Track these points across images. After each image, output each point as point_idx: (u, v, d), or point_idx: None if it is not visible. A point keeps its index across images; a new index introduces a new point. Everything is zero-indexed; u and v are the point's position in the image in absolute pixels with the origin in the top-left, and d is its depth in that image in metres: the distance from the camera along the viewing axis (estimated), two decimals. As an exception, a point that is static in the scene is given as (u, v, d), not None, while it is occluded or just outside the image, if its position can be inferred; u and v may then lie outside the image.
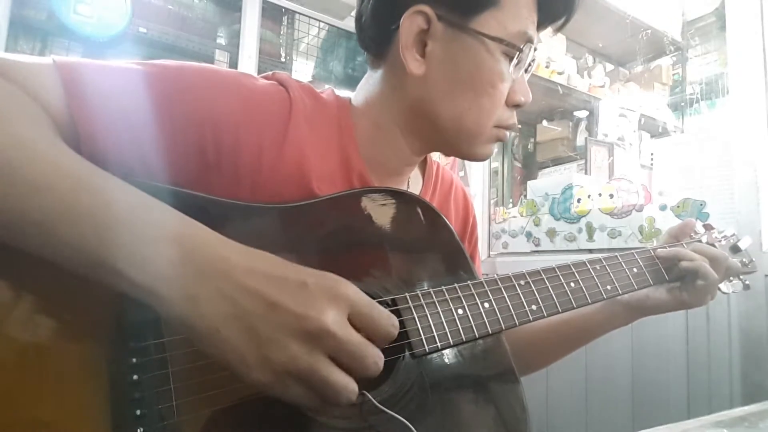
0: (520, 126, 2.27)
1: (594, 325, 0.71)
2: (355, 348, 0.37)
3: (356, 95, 0.63)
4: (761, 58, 1.14)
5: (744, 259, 0.74)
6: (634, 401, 1.26)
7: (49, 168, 0.37)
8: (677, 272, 0.67)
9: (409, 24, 0.54)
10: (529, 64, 0.58)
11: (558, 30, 0.62)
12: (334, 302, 0.38)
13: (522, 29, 0.55)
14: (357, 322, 0.39)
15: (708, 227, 0.76)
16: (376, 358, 0.38)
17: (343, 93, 0.64)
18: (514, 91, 0.58)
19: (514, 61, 0.55)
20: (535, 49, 0.57)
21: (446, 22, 0.54)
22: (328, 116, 0.58)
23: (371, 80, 0.62)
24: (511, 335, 0.55)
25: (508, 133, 0.61)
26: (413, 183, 0.69)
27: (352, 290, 0.39)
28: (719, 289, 0.70)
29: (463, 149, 0.60)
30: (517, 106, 0.59)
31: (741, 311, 1.10)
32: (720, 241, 0.74)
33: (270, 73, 0.59)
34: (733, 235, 0.76)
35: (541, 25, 0.58)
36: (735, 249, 0.74)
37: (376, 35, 0.58)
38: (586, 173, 1.95)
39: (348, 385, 0.37)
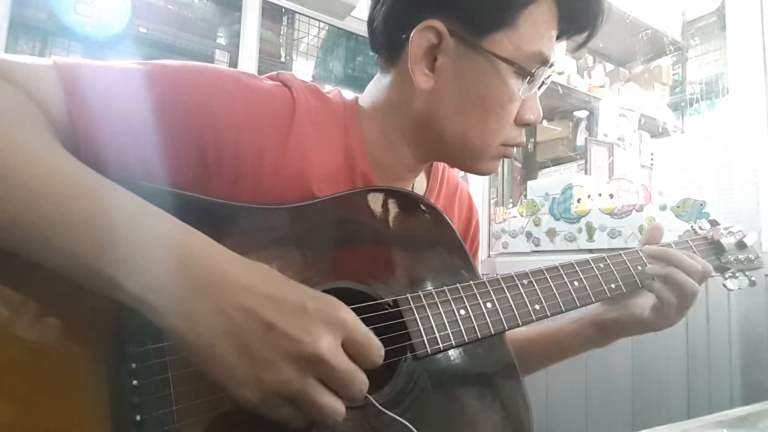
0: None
1: (569, 348, 0.70)
2: (344, 375, 0.38)
3: (364, 97, 0.62)
4: (761, 58, 1.14)
5: (750, 255, 0.73)
6: (634, 401, 1.26)
7: (44, 173, 0.37)
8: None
9: (420, 39, 0.53)
10: (543, 82, 0.57)
11: (578, 48, 0.60)
12: (331, 328, 0.38)
13: (537, 50, 0.53)
14: (350, 349, 0.39)
15: (713, 223, 0.75)
16: (361, 385, 0.39)
17: (345, 93, 0.63)
18: (524, 109, 0.56)
19: (526, 81, 0.54)
20: (551, 66, 0.56)
21: (458, 39, 0.52)
22: (334, 117, 0.57)
23: (380, 84, 0.61)
24: None
25: (514, 149, 0.60)
26: (418, 184, 0.68)
27: (350, 316, 0.39)
28: (724, 285, 0.70)
29: (468, 164, 0.60)
30: (526, 125, 0.58)
31: (741, 311, 1.10)
32: (726, 237, 0.73)
33: (275, 73, 0.58)
34: (739, 231, 0.75)
35: (561, 37, 0.57)
36: (741, 245, 0.73)
37: (386, 42, 0.57)
38: (586, 173, 1.95)
39: (337, 408, 0.38)
